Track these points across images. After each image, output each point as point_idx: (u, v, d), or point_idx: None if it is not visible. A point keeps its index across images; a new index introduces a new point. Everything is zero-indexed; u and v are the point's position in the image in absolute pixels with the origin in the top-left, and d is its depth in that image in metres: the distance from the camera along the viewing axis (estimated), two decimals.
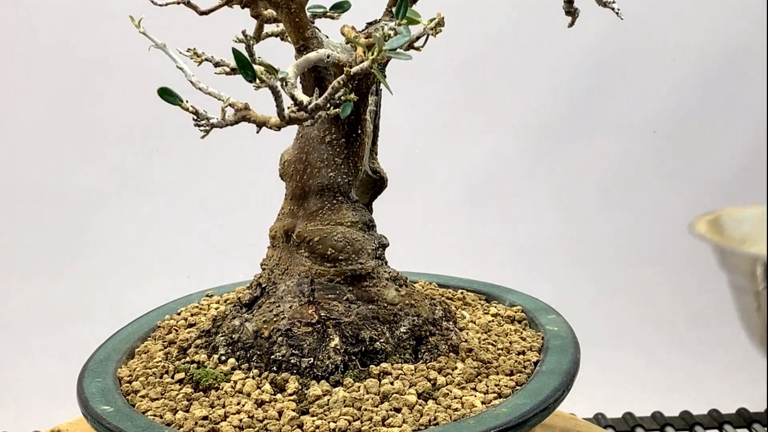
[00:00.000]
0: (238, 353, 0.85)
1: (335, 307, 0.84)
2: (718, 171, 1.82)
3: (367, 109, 0.85)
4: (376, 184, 0.91)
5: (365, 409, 0.75)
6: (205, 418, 0.76)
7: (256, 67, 0.64)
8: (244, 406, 0.77)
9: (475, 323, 0.92)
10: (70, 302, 1.70)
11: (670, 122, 1.79)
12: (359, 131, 0.85)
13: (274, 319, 0.84)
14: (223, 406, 0.77)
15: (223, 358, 0.85)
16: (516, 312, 0.97)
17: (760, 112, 1.78)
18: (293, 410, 0.76)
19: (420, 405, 0.76)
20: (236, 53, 0.64)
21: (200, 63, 0.68)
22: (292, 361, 0.81)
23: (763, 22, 1.75)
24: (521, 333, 0.91)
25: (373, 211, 0.92)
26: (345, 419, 0.74)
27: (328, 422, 0.74)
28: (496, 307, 0.99)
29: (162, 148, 1.70)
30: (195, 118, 0.68)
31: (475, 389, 0.79)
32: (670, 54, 1.75)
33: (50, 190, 1.69)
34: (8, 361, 1.67)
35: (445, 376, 0.80)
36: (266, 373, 0.81)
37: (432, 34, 0.73)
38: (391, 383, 0.78)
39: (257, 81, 0.65)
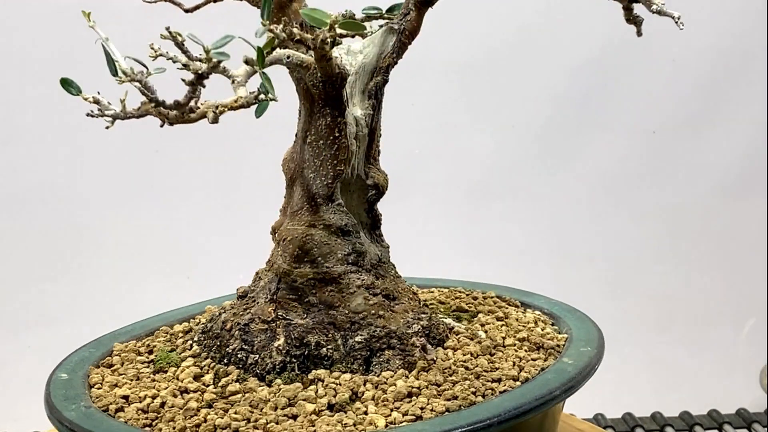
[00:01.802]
0: (205, 342, 0.87)
1: (294, 308, 0.83)
2: (718, 171, 1.82)
3: (345, 112, 0.84)
4: (372, 189, 0.89)
5: (262, 411, 0.75)
6: (124, 397, 0.79)
7: (120, 64, 0.65)
8: (162, 391, 0.80)
9: (480, 341, 0.87)
10: (70, 302, 1.70)
11: (670, 122, 1.79)
12: (337, 134, 0.83)
13: (242, 313, 0.85)
14: (153, 389, 0.81)
15: (194, 345, 0.88)
16: (544, 335, 0.89)
17: (760, 112, 1.78)
18: (197, 401, 0.77)
19: (318, 415, 0.74)
20: (106, 52, 0.65)
21: (155, 58, 0.68)
22: (239, 355, 0.82)
23: (763, 22, 1.75)
24: (521, 358, 0.84)
25: (375, 215, 0.90)
26: (236, 416, 0.74)
27: (219, 417, 0.74)
28: (528, 315, 0.96)
29: (162, 149, 1.70)
30: (99, 109, 0.68)
31: (394, 409, 0.74)
32: (670, 54, 1.75)
33: (50, 191, 1.69)
34: (8, 361, 1.67)
35: (375, 390, 0.77)
36: (214, 364, 0.83)
37: (335, 38, 0.71)
38: (315, 390, 0.77)
39: (121, 76, 0.65)
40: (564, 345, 0.87)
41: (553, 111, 1.78)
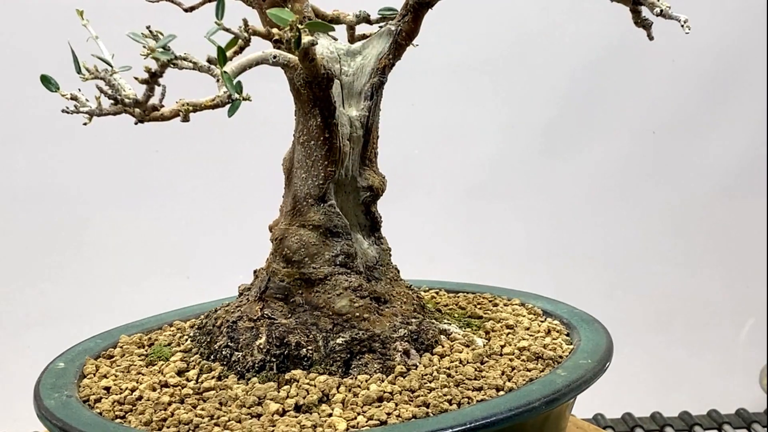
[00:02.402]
0: (198, 338, 0.88)
1: (280, 307, 0.83)
2: (718, 171, 1.81)
3: (335, 113, 0.83)
4: (366, 191, 0.88)
5: (227, 409, 0.75)
6: (106, 388, 0.80)
7: (82, 62, 0.67)
8: (142, 384, 0.80)
9: (474, 349, 0.85)
10: (69, 302, 1.70)
11: (670, 123, 1.79)
12: (327, 135, 0.83)
13: (233, 311, 0.86)
14: (135, 381, 0.81)
15: (188, 340, 0.89)
16: (546, 345, 0.87)
17: (760, 112, 1.78)
18: (171, 396, 0.78)
19: (281, 416, 0.73)
20: (72, 51, 0.66)
21: (146, 57, 0.68)
22: (224, 352, 0.83)
23: (763, 22, 1.75)
24: (514, 367, 0.82)
25: (374, 217, 0.90)
26: (201, 413, 0.74)
27: (185, 413, 0.74)
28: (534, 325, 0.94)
29: (161, 148, 1.70)
30: (76, 105, 0.68)
31: (361, 413, 0.74)
32: (670, 54, 1.75)
33: (50, 190, 1.69)
34: (7, 361, 1.67)
35: (346, 393, 0.76)
36: (201, 360, 0.84)
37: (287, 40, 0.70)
38: (288, 391, 0.76)
39: (84, 74, 0.67)
40: (566, 356, 0.84)
41: (553, 111, 1.78)
